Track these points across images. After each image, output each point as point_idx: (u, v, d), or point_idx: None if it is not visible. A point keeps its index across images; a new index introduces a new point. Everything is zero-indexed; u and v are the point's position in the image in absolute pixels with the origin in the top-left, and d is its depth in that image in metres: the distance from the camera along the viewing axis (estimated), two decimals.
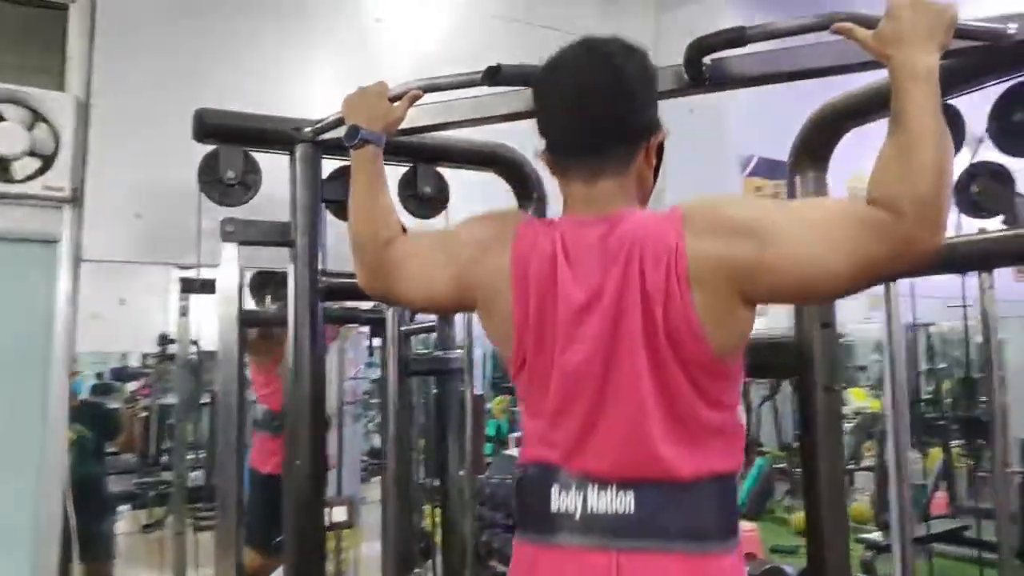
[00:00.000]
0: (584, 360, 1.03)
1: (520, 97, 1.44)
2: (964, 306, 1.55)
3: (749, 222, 1.00)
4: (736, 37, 1.18)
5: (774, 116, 2.65)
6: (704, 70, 1.31)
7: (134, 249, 2.13)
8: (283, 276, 2.79)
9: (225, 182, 1.52)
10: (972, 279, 1.51)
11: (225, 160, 1.53)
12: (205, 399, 3.95)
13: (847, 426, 5.79)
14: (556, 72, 1.11)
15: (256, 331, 2.85)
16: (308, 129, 1.52)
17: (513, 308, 1.08)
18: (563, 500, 1.04)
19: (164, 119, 2.09)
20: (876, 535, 4.41)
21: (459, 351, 2.59)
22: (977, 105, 1.36)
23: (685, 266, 0.98)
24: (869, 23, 1.07)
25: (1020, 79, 1.27)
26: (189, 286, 2.60)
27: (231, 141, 1.53)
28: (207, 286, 2.16)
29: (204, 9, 2.29)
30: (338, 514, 1.87)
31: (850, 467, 5.52)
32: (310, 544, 1.55)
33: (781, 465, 6.78)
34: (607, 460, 1.03)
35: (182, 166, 1.76)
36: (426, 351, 3.19)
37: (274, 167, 1.62)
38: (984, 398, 6.21)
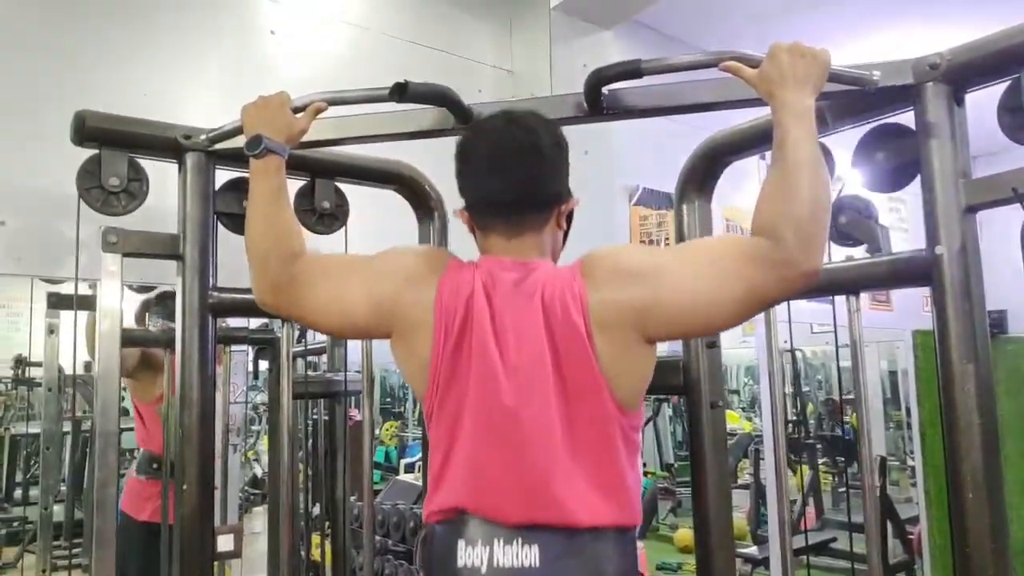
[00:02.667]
0: (498, 404, 1.05)
1: (423, 116, 1.45)
2: (835, 331, 1.65)
3: (644, 266, 1.07)
4: (633, 69, 1.25)
5: (656, 151, 2.83)
6: (602, 100, 1.37)
7: None
8: (163, 295, 2.67)
9: (108, 189, 1.43)
10: (839, 306, 1.61)
11: (108, 166, 1.43)
12: (65, 428, 3.68)
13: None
14: (479, 137, 1.18)
15: (138, 359, 2.67)
16: (203, 137, 1.46)
17: (433, 343, 1.09)
18: (469, 555, 1.04)
19: (36, 122, 1.96)
20: (752, 549, 4.65)
21: (352, 373, 2.54)
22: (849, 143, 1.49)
23: (588, 312, 1.04)
24: (753, 63, 1.16)
25: (880, 121, 1.40)
26: (59, 302, 2.41)
27: (115, 146, 1.44)
28: (82, 303, 2.02)
29: (87, 12, 2.16)
30: (224, 543, 1.77)
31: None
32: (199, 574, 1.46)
33: (664, 485, 7.02)
34: (514, 505, 1.04)
35: (53, 172, 1.65)
36: (314, 373, 3.10)
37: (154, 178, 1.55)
38: (847, 419, 6.71)
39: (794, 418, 6.85)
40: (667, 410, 7.73)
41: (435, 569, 1.09)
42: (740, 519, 5.55)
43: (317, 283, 1.17)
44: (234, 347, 2.95)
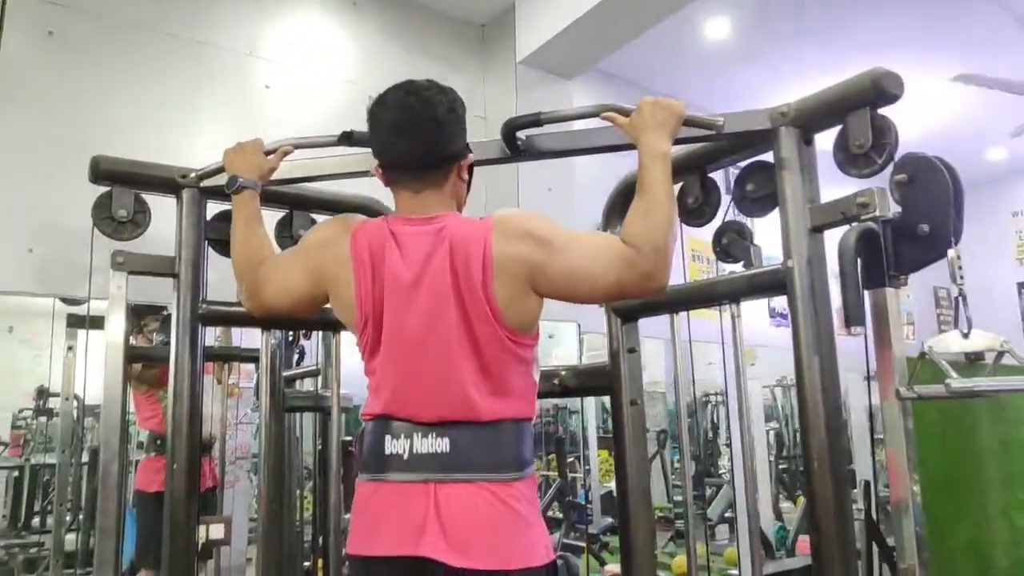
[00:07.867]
0: (407, 328, 1.30)
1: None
2: (723, 340, 1.83)
3: (544, 234, 1.31)
4: (534, 120, 1.54)
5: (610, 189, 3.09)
6: (518, 143, 1.66)
7: (26, 282, 2.28)
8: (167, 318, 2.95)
9: (117, 220, 1.75)
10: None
11: (117, 200, 1.76)
12: (85, 458, 3.86)
13: (724, 480, 6.23)
14: (382, 108, 1.38)
15: (140, 365, 2.97)
16: (193, 175, 1.78)
17: (353, 285, 1.33)
18: (394, 445, 1.31)
19: (58, 163, 2.30)
20: None
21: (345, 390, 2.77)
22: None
23: (491, 260, 1.28)
24: (626, 113, 1.44)
25: (753, 160, 1.68)
26: (77, 322, 2.72)
27: (123, 184, 1.77)
28: (95, 322, 2.31)
29: (104, 69, 2.52)
30: (215, 531, 2.02)
31: (728, 516, 5.88)
32: (183, 558, 1.73)
33: (663, 515, 7.11)
34: (428, 409, 1.30)
35: (72, 207, 1.96)
36: (305, 391, 3.34)
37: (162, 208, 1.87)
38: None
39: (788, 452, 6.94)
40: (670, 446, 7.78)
41: (369, 456, 1.34)
42: (733, 551, 5.66)
43: (272, 276, 1.46)
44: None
